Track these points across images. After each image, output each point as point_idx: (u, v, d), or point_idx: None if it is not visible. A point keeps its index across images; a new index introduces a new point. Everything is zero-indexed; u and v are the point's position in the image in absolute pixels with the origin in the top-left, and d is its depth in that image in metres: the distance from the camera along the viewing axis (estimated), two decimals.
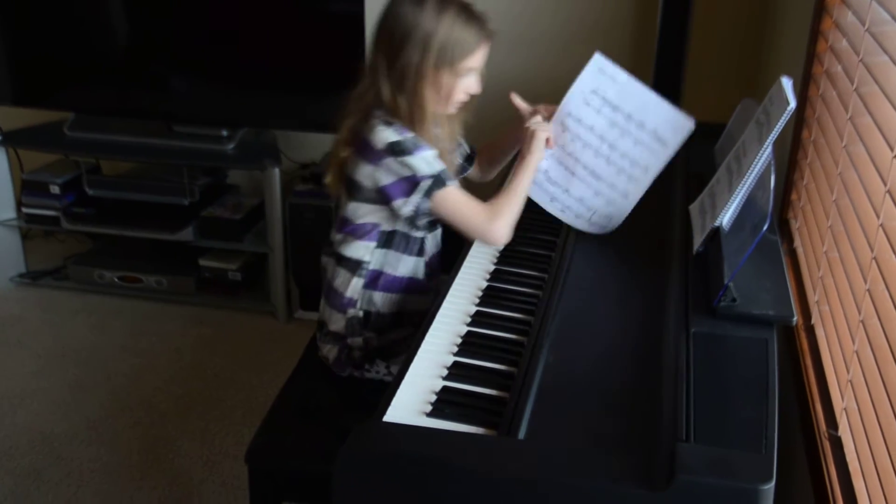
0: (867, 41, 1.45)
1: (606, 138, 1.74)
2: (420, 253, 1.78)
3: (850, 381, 1.29)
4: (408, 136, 1.64)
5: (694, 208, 1.68)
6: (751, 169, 1.46)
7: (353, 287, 1.76)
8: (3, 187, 3.13)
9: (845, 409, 1.32)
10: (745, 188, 1.47)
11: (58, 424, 2.47)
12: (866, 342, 1.24)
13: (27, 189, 3.15)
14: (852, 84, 1.50)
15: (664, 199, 1.83)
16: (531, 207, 1.89)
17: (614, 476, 1.04)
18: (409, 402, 1.27)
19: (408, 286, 1.79)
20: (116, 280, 3.15)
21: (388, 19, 1.64)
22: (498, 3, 1.65)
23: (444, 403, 1.26)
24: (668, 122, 1.73)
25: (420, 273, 1.80)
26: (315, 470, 1.63)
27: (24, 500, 2.19)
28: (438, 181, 1.63)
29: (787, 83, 1.46)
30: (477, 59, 1.67)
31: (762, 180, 1.44)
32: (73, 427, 2.46)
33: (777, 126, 1.43)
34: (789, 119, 1.41)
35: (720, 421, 1.12)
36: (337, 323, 1.80)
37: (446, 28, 1.61)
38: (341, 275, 1.77)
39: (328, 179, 1.78)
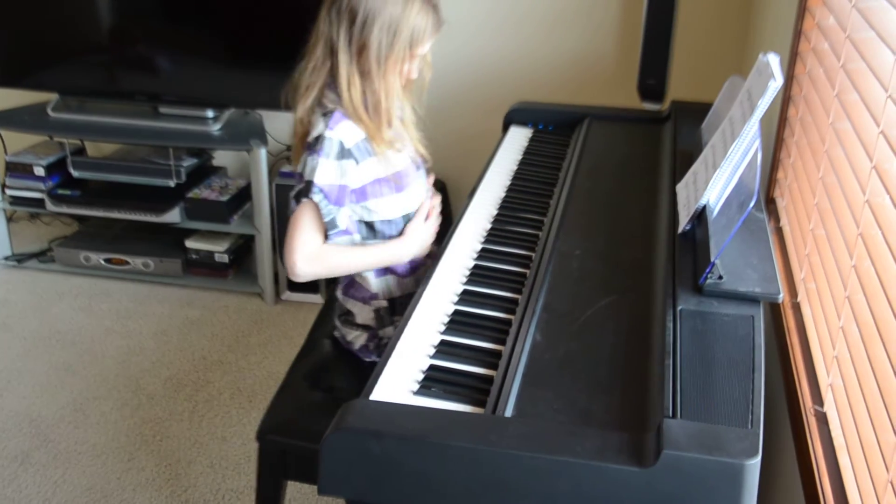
0: (854, 17, 1.45)
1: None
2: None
3: (836, 358, 1.30)
4: (328, 133, 1.62)
5: (681, 187, 1.68)
6: (736, 147, 1.45)
7: (368, 279, 1.76)
8: None
9: (831, 385, 1.32)
10: (731, 166, 1.47)
11: (45, 407, 2.46)
12: (852, 318, 1.25)
13: (11, 171, 3.13)
14: (839, 60, 1.50)
15: (651, 178, 1.83)
16: (520, 188, 1.89)
17: (602, 452, 1.04)
18: (397, 381, 1.26)
19: (415, 267, 1.79)
20: (103, 262, 3.14)
21: None
22: None
23: (432, 381, 1.26)
24: None
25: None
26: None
27: (12, 482, 2.19)
28: (306, 190, 1.60)
29: (774, 59, 1.46)
30: (428, 46, 1.70)
31: (749, 158, 1.44)
32: (60, 409, 2.45)
33: (763, 103, 1.43)
34: (776, 97, 1.40)
35: (707, 397, 1.12)
36: (364, 315, 1.79)
37: (414, 14, 1.61)
38: None
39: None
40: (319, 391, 1.74)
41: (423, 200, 1.78)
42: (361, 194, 1.67)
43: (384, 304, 1.77)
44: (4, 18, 3.01)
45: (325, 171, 1.60)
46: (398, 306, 1.78)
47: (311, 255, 1.64)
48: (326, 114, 1.63)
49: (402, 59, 1.64)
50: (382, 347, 1.76)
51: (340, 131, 1.62)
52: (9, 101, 3.15)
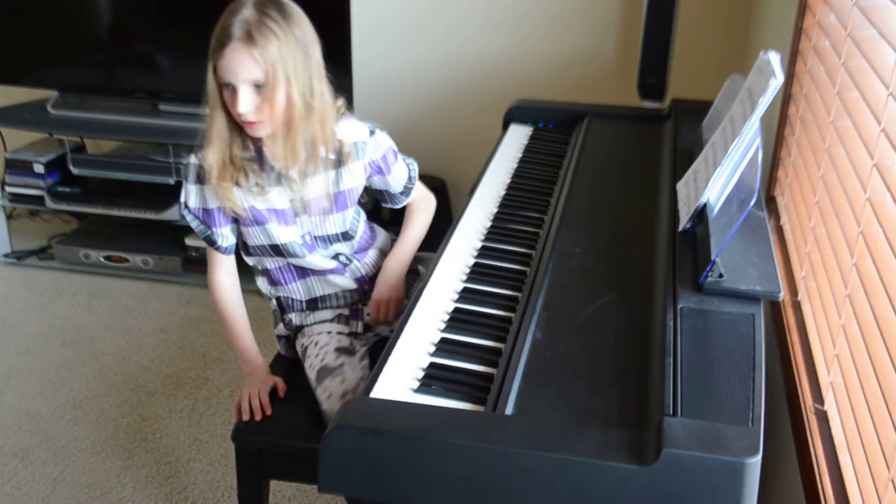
0: (855, 15, 1.45)
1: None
2: (289, 256, 1.75)
3: (837, 356, 1.30)
4: (191, 158, 1.65)
5: (681, 185, 1.67)
6: (737, 145, 1.45)
7: (260, 283, 1.85)
8: None
9: (831, 383, 1.32)
10: (731, 165, 1.47)
11: (44, 404, 2.46)
12: (853, 316, 1.25)
13: (11, 168, 3.12)
14: (840, 59, 1.49)
15: (652, 177, 1.83)
16: (520, 186, 1.89)
17: (603, 450, 1.04)
18: (397, 378, 1.26)
19: (304, 274, 1.80)
20: (102, 260, 3.13)
21: None
22: None
23: (432, 379, 1.26)
24: None
25: (283, 266, 1.79)
26: (300, 448, 1.64)
27: (11, 479, 2.18)
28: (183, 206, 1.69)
29: (774, 58, 1.46)
30: (226, 70, 1.51)
31: (749, 156, 1.44)
32: (59, 406, 2.45)
33: (763, 102, 1.42)
34: (776, 95, 1.40)
35: (707, 396, 1.12)
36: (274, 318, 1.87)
37: (214, 37, 1.54)
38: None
39: None
40: (292, 390, 1.75)
41: (293, 254, 1.72)
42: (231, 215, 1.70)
43: (273, 303, 1.85)
44: (4, 15, 3.01)
45: (187, 193, 1.67)
46: (284, 304, 1.83)
47: (209, 278, 1.77)
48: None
49: (217, 88, 1.56)
50: (288, 344, 1.84)
51: (202, 156, 1.63)
52: (9, 98, 3.15)
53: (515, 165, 2.00)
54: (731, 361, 1.19)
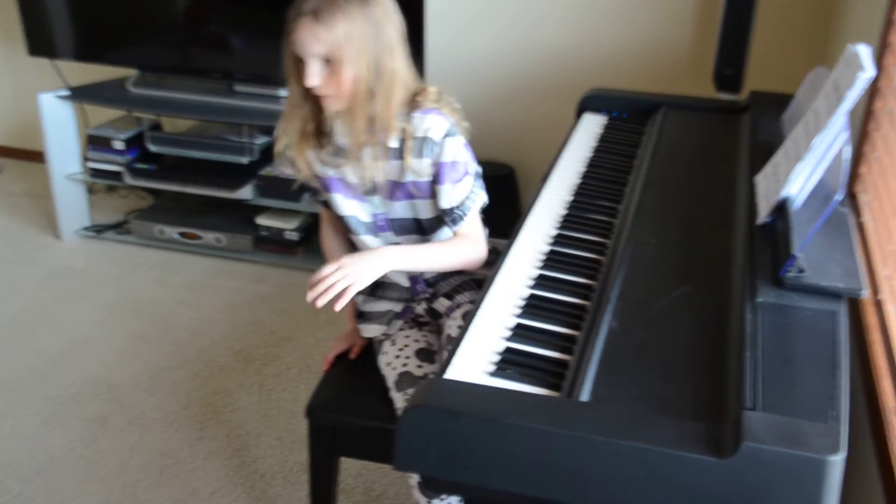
0: None
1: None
2: (350, 231, 1.78)
3: None
4: None
5: (760, 179, 1.65)
6: (821, 139, 1.43)
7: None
8: (69, 141, 3.21)
9: None
10: (815, 159, 1.44)
11: (121, 373, 2.54)
12: None
13: (92, 144, 3.22)
14: None
15: (728, 169, 1.80)
16: (594, 175, 1.88)
17: (680, 441, 1.04)
18: (472, 361, 1.28)
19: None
20: (176, 236, 3.22)
21: None
22: None
23: (507, 364, 1.27)
24: None
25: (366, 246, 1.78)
26: (373, 427, 1.66)
27: (91, 444, 2.27)
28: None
29: (864, 50, 1.42)
30: (295, 43, 1.56)
31: (834, 151, 1.41)
32: (135, 376, 2.53)
33: (851, 95, 1.39)
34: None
35: (787, 391, 1.11)
36: None
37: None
38: None
39: None
40: (367, 369, 1.77)
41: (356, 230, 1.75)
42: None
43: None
44: None
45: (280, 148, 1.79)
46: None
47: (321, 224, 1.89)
48: None
49: (293, 60, 1.59)
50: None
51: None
52: (92, 75, 3.25)
53: (590, 154, 1.99)
54: (812, 358, 1.18)
